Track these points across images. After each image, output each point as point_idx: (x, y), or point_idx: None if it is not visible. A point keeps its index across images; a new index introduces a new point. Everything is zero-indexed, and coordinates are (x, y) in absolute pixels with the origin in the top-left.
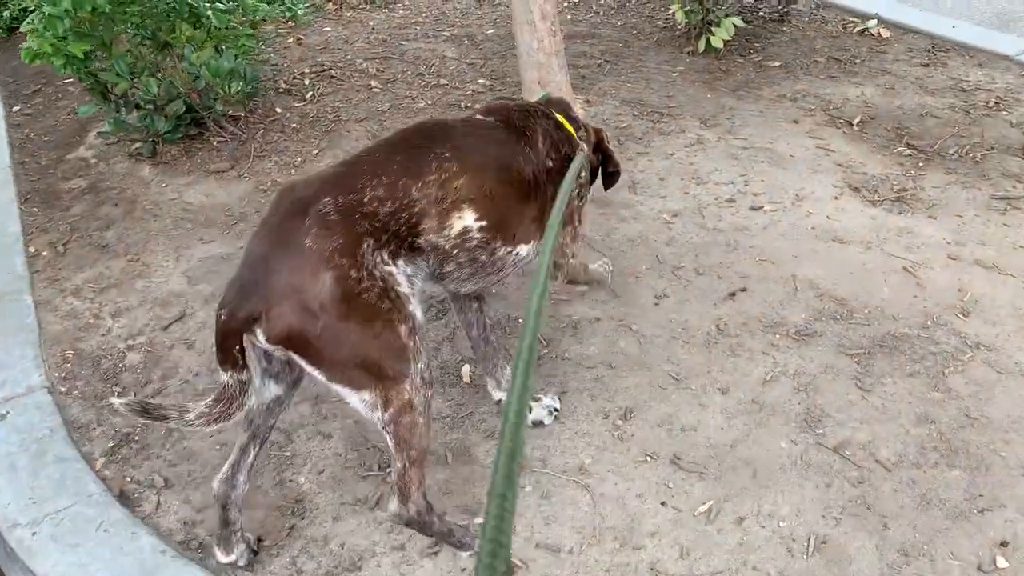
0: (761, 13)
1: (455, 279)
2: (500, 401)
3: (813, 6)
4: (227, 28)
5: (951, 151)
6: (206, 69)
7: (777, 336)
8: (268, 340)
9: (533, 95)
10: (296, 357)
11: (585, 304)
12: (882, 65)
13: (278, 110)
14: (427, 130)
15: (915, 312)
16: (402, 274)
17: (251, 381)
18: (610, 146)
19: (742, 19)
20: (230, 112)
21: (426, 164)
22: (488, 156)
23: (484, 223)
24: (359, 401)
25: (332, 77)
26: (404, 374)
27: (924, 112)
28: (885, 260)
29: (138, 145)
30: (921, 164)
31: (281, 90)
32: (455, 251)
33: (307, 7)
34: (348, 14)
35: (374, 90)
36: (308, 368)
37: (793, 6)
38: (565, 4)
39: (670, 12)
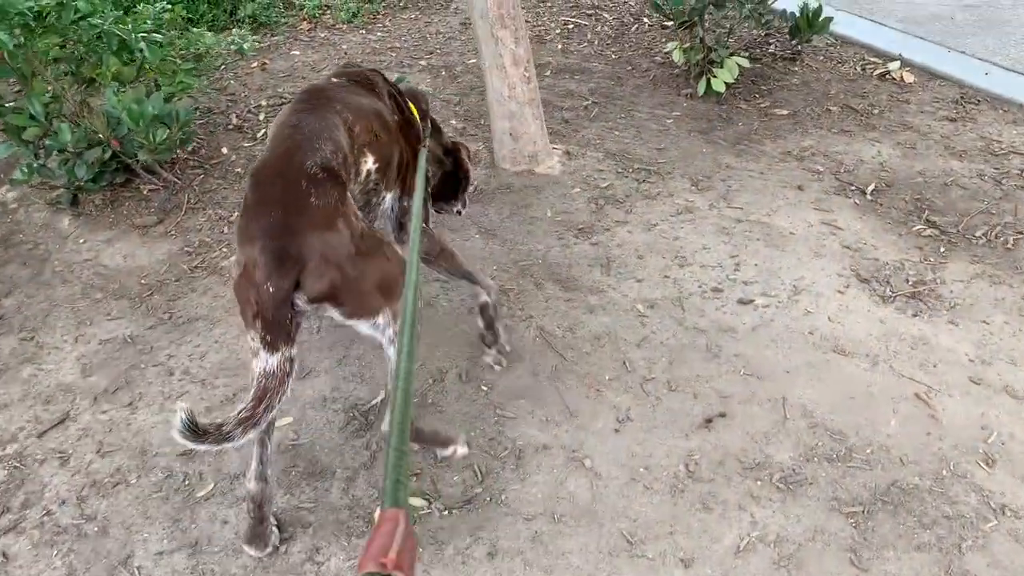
0: (771, 49)
1: None
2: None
3: (829, 42)
4: (163, 62)
5: (978, 232)
6: (127, 114)
7: (758, 483)
8: (309, 300)
9: (503, 146)
10: (330, 307)
11: (534, 425)
12: (903, 117)
13: (224, 151)
14: (318, 92)
15: (928, 455)
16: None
17: (297, 357)
18: (465, 157)
19: (748, 57)
20: (160, 160)
21: (335, 117)
22: (364, 105)
23: (378, 164)
24: (371, 326)
25: None
26: (399, 287)
27: (949, 180)
28: (894, 381)
29: (58, 192)
30: (943, 249)
31: (232, 126)
32: (361, 195)
33: (253, 41)
34: (322, 35)
35: None
36: (335, 312)
37: (807, 43)
38: (558, 31)
39: (667, 50)
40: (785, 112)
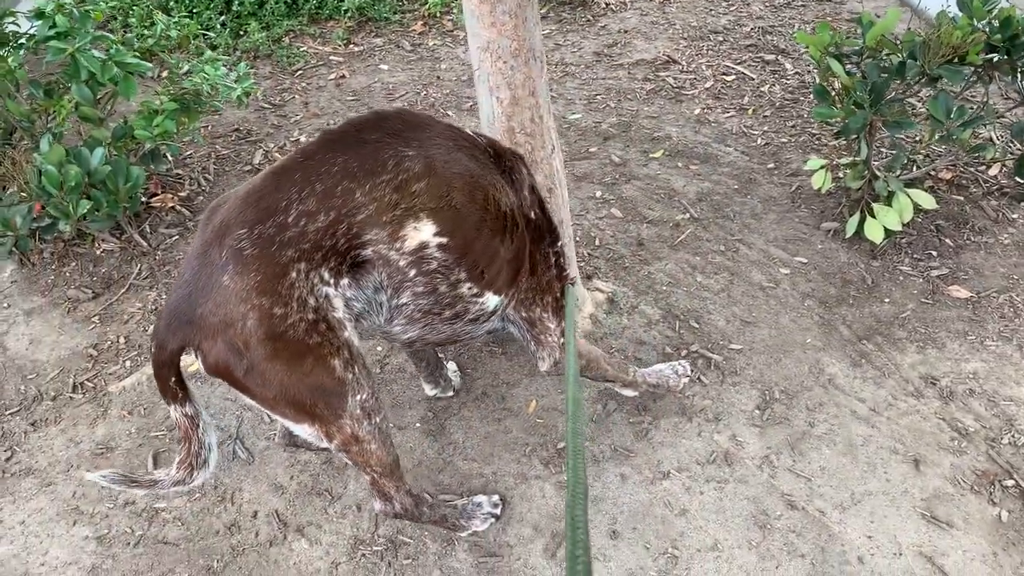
0: (988, 172)
1: (405, 316)
2: (435, 396)
3: None
4: (144, 102)
5: None
6: (46, 178)
7: None
8: (204, 369)
9: None
10: (234, 389)
11: None
12: None
13: None
14: (387, 122)
15: None
16: (340, 297)
17: (199, 415)
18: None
19: (941, 189)
20: (97, 229)
21: (380, 163)
22: (462, 166)
23: (446, 240)
24: (304, 432)
25: None
26: (341, 410)
27: None
28: None
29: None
30: None
31: (251, 167)
32: (411, 271)
33: (250, 84)
34: (430, 44)
35: None
36: (247, 400)
37: None
38: (709, 84)
39: (808, 167)
40: (965, 294)
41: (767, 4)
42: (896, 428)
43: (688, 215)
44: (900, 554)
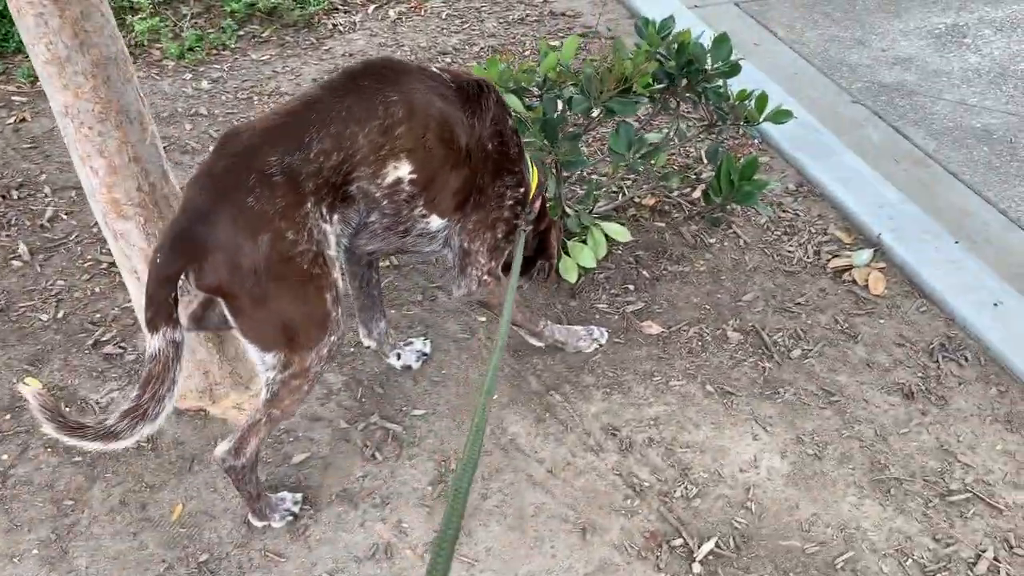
0: (694, 196)
1: (371, 231)
2: (369, 347)
3: (789, 189)
4: None
5: None
6: None
7: None
8: (197, 287)
9: None
10: (223, 304)
11: None
12: (836, 374)
13: None
14: (378, 70)
15: None
16: (333, 234)
17: (183, 344)
18: (554, 240)
19: (642, 217)
20: None
21: (373, 108)
22: (436, 108)
23: (416, 176)
24: (260, 359)
25: None
26: (317, 342)
27: (850, 560)
28: None
29: None
30: None
31: None
32: (384, 201)
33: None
34: None
35: (11, 264)
36: (228, 317)
37: (732, 205)
38: None
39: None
40: (657, 330)
41: (500, 21)
42: (571, 491)
43: (387, 262)
44: None
